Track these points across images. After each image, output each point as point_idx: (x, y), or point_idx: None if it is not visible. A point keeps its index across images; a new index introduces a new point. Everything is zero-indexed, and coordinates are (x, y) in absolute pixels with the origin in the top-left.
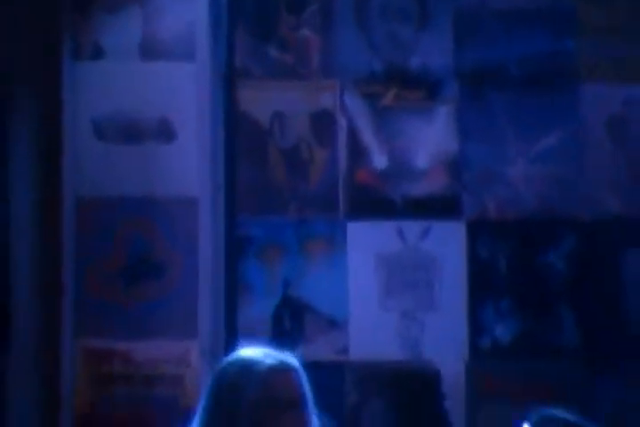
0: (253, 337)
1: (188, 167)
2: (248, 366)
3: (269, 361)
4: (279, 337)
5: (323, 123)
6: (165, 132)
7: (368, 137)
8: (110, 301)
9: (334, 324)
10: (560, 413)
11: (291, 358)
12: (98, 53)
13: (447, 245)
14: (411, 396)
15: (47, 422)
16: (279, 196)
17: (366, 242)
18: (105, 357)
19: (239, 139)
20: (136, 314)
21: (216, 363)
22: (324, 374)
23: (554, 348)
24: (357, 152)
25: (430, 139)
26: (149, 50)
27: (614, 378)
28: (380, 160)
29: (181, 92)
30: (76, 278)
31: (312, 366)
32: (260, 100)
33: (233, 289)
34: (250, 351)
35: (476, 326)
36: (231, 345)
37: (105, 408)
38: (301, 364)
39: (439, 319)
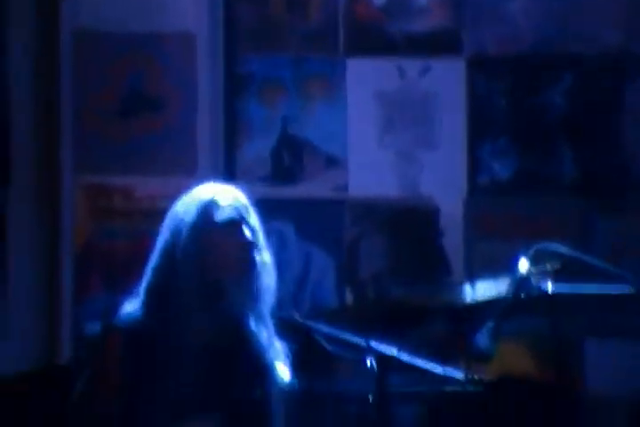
0: (252, 175)
1: (186, 2)
2: (193, 198)
3: (213, 195)
4: (278, 175)
5: None
6: None
7: None
8: (109, 136)
9: (333, 161)
10: (558, 247)
11: (239, 196)
12: None
13: (447, 82)
14: (409, 232)
15: (47, 256)
16: (278, 33)
17: (366, 79)
18: (104, 192)
19: None
20: (135, 150)
21: None
22: (322, 211)
23: (553, 184)
24: None
25: None
26: None
27: (613, 214)
28: None
29: None
30: (74, 114)
31: (311, 204)
32: None
33: (232, 127)
34: (204, 188)
35: (475, 163)
36: (230, 182)
37: (104, 243)
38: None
39: (438, 157)
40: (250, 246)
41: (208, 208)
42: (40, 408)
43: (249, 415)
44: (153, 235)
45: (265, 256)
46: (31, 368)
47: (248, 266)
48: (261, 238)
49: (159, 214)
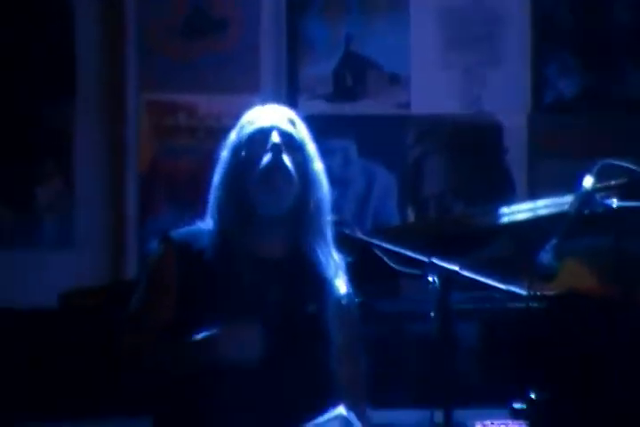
0: (315, 93)
1: None
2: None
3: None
4: (340, 93)
5: None
6: None
7: None
8: (173, 55)
9: (396, 79)
10: (623, 163)
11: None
12: None
13: None
14: (473, 149)
15: (112, 172)
16: None
17: None
18: (169, 110)
19: None
20: (199, 69)
21: None
22: (385, 128)
23: (620, 103)
24: None
25: None
26: None
27: None
28: None
29: None
30: (138, 33)
31: (374, 121)
32: None
33: (295, 45)
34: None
35: (540, 81)
36: (293, 100)
37: (169, 159)
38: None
39: (502, 74)
40: (275, 148)
41: (245, 127)
42: (104, 323)
43: (304, 329)
44: (216, 153)
45: (315, 166)
46: (97, 283)
47: (273, 167)
48: (311, 150)
49: (223, 132)
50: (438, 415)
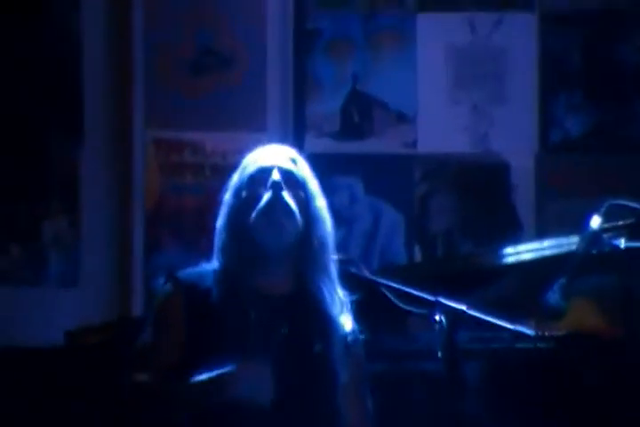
0: (321, 131)
1: None
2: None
3: (258, 156)
4: (347, 131)
5: None
6: None
7: None
8: (180, 92)
9: (403, 117)
10: (631, 203)
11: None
12: None
13: (519, 36)
14: (479, 189)
15: (119, 211)
16: None
17: (436, 34)
18: (175, 147)
19: None
20: (205, 106)
21: None
22: (392, 167)
23: (628, 141)
24: None
25: None
26: None
27: None
28: None
29: None
30: (145, 70)
31: (380, 160)
32: None
33: (301, 83)
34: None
35: (547, 119)
36: (299, 138)
37: (174, 198)
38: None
39: (509, 112)
40: (275, 185)
41: (247, 168)
42: (111, 360)
43: (311, 368)
44: (222, 190)
45: (318, 203)
46: (102, 321)
47: (273, 204)
48: (313, 187)
49: (229, 170)
50: None
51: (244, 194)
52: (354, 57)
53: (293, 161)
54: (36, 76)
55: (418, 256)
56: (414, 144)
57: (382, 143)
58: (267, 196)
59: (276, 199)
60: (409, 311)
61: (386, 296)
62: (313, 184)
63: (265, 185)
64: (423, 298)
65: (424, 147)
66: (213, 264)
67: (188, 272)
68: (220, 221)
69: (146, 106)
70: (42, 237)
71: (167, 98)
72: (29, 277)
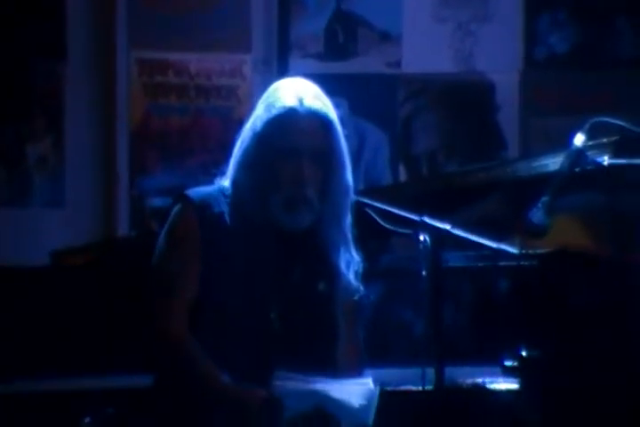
0: (306, 52)
1: None
2: (272, 104)
3: (293, 106)
4: (331, 51)
5: None
6: None
7: None
8: (164, 11)
9: (387, 37)
10: (615, 120)
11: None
12: None
13: None
14: (464, 108)
15: (103, 131)
16: None
17: None
18: (159, 67)
19: None
20: (190, 26)
21: (269, 76)
22: (376, 86)
23: (612, 58)
24: None
25: None
26: None
27: None
28: None
29: None
30: None
31: (364, 79)
32: None
33: (286, 3)
34: (293, 87)
35: (532, 37)
36: (283, 59)
37: (159, 118)
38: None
39: (494, 30)
40: (301, 183)
41: (273, 123)
42: (99, 280)
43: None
44: (207, 111)
45: (343, 149)
46: (88, 241)
47: (297, 201)
48: (339, 159)
49: (214, 91)
50: (430, 373)
51: (273, 138)
52: None
53: (326, 128)
54: None
55: (403, 176)
56: (398, 64)
57: (367, 63)
58: (290, 186)
59: (302, 196)
60: (394, 231)
61: (371, 216)
62: (340, 155)
63: (292, 161)
64: (408, 218)
65: (408, 66)
66: (221, 186)
67: (198, 192)
68: (240, 152)
69: (129, 25)
70: (26, 158)
71: (151, 18)
72: (14, 198)
